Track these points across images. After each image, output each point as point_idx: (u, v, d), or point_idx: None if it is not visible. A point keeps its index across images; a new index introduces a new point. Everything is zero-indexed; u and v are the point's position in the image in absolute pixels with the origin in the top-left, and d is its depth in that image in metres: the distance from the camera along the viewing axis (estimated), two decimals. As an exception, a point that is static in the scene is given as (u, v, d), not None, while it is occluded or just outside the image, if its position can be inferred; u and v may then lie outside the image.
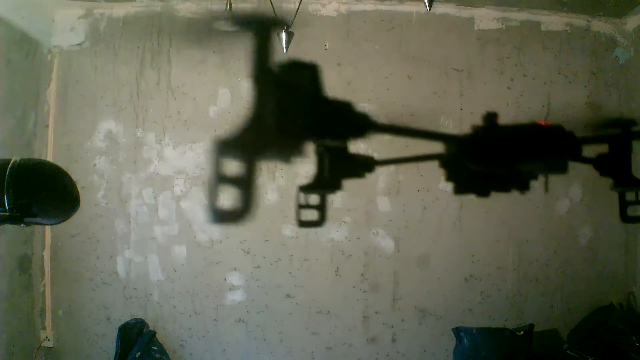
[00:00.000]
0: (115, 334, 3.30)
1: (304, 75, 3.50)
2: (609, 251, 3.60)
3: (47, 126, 3.53)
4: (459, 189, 3.48)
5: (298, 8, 2.73)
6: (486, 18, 3.62)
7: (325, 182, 2.93)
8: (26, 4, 3.27)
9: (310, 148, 3.45)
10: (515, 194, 3.53)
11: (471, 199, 3.54)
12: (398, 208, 3.53)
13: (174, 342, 3.48)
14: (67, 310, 3.49)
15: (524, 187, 3.50)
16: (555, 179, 3.58)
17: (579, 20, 3.66)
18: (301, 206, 3.33)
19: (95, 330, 3.47)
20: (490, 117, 3.48)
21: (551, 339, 3.49)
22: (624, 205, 3.48)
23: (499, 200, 3.54)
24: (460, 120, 3.57)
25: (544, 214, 3.57)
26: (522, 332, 3.26)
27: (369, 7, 3.59)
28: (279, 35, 2.77)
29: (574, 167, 3.52)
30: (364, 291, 3.52)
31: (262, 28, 3.46)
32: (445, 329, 3.46)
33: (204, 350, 3.50)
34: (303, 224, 3.43)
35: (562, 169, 3.41)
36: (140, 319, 3.43)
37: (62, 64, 3.56)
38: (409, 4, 3.56)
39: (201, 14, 3.58)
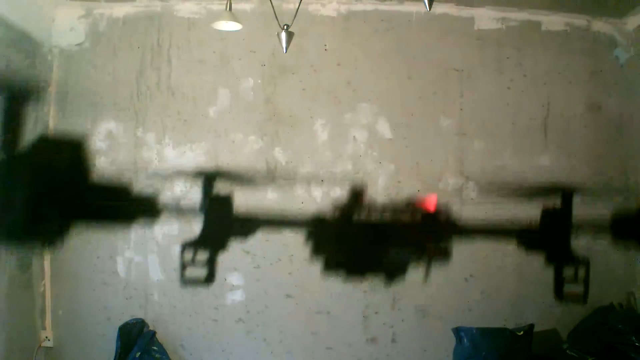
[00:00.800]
0: (115, 334, 3.29)
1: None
2: (609, 251, 3.60)
3: (47, 126, 3.52)
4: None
5: (298, 8, 2.73)
6: (486, 18, 3.62)
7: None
8: (26, 4, 3.27)
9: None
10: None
11: (471, 198, 3.54)
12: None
13: (174, 342, 3.48)
14: (67, 310, 3.49)
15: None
16: (555, 179, 3.58)
17: (579, 20, 3.66)
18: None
19: (95, 330, 3.47)
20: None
21: (551, 339, 3.49)
22: (559, 283, 3.44)
23: (478, 99, 3.55)
24: (460, 120, 3.57)
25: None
26: (522, 332, 3.26)
27: (369, 7, 3.59)
28: (279, 35, 2.77)
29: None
30: (364, 291, 3.52)
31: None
32: (445, 329, 3.46)
33: (204, 350, 3.50)
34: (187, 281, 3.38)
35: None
36: (140, 319, 3.43)
37: (62, 64, 3.56)
38: (409, 4, 3.56)
39: (201, 14, 3.58)
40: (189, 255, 3.26)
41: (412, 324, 3.52)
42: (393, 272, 3.34)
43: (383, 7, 3.59)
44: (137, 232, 3.51)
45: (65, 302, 3.49)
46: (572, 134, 3.62)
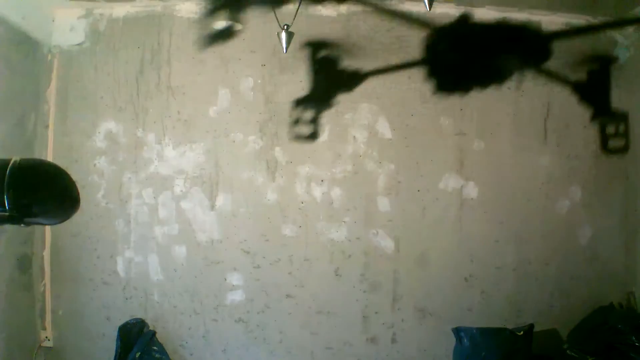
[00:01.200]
0: (115, 334, 3.30)
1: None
2: (608, 251, 3.61)
3: (47, 126, 3.53)
4: (440, 87, 3.41)
5: (298, 8, 2.73)
6: (486, 18, 3.62)
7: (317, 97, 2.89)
8: (26, 4, 3.27)
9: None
10: (492, 90, 3.53)
11: (471, 198, 3.54)
12: (398, 208, 3.53)
13: (174, 342, 3.48)
14: (67, 310, 3.49)
15: (500, 81, 3.49)
16: (555, 179, 3.59)
17: (579, 20, 3.66)
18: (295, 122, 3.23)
19: (95, 330, 3.47)
20: (464, 16, 3.45)
21: (551, 339, 3.49)
22: (604, 138, 3.58)
23: (478, 99, 3.54)
24: (460, 120, 3.57)
25: (544, 214, 3.57)
26: (522, 332, 3.27)
27: (368, 7, 3.59)
28: (279, 35, 2.78)
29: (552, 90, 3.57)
30: (364, 291, 3.52)
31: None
32: (445, 329, 3.46)
33: (204, 350, 3.50)
34: (297, 138, 3.30)
35: (533, 65, 3.42)
36: (140, 319, 3.44)
37: (62, 64, 3.56)
38: (409, 4, 3.56)
39: (201, 14, 3.58)
40: (297, 112, 3.21)
41: (412, 324, 3.52)
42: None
43: (383, 7, 3.59)
44: (137, 232, 3.51)
45: (65, 302, 3.49)
46: (572, 134, 3.62)
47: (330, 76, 2.69)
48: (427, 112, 3.57)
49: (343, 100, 3.54)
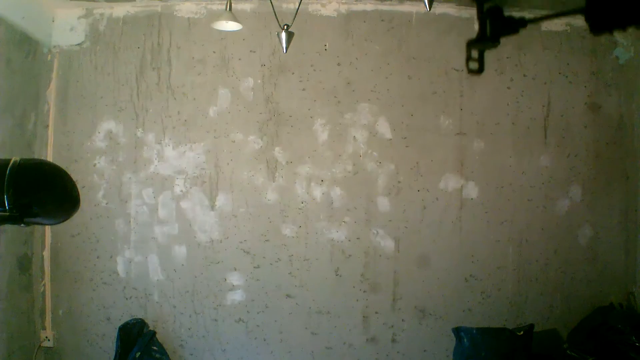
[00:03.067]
0: (115, 334, 3.30)
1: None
2: (609, 251, 3.61)
3: (47, 126, 3.53)
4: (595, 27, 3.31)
5: (298, 8, 2.73)
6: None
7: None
8: (26, 4, 3.27)
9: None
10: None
11: (471, 198, 3.54)
12: (398, 208, 3.53)
13: (174, 342, 3.48)
14: (67, 310, 3.49)
15: None
16: (555, 179, 3.58)
17: (579, 20, 3.66)
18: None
19: (95, 330, 3.48)
20: None
21: (551, 339, 3.49)
22: None
23: (479, 99, 3.52)
24: (460, 120, 3.57)
25: (544, 214, 3.57)
26: (522, 332, 3.26)
27: (368, 7, 3.59)
28: (279, 35, 2.78)
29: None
30: (364, 291, 3.52)
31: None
32: (445, 329, 3.46)
33: (204, 350, 3.50)
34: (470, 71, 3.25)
35: None
36: (140, 319, 3.44)
37: (62, 64, 3.56)
38: (409, 4, 3.56)
39: (201, 14, 3.58)
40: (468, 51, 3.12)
41: (412, 324, 3.52)
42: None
43: (383, 7, 3.59)
44: (137, 232, 3.51)
45: (65, 302, 3.49)
46: (572, 134, 3.62)
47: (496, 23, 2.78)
48: (427, 112, 3.57)
49: (343, 100, 3.54)
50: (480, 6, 2.21)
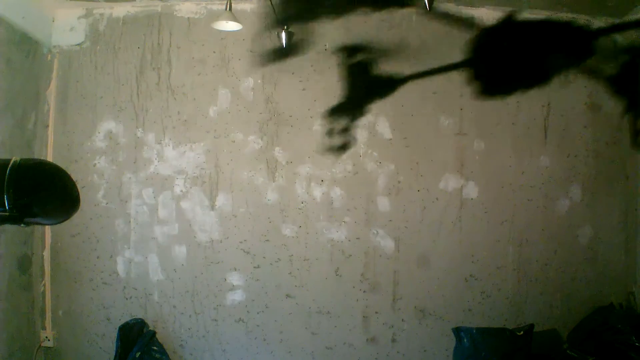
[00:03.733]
0: (115, 334, 3.30)
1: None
2: (609, 251, 3.61)
3: (47, 126, 3.53)
4: (486, 91, 3.36)
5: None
6: (486, 18, 3.62)
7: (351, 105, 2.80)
8: (26, 4, 3.27)
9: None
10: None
11: (471, 198, 3.54)
12: (398, 208, 3.53)
13: (174, 342, 3.48)
14: (67, 310, 3.49)
15: (544, 80, 3.45)
16: (555, 179, 3.59)
17: (579, 21, 3.66)
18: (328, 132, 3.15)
19: (95, 330, 3.48)
20: (509, 15, 3.41)
21: (551, 339, 3.49)
22: (635, 132, 3.52)
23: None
24: (460, 120, 3.57)
25: (544, 214, 3.57)
26: (522, 332, 3.27)
27: (369, 7, 3.59)
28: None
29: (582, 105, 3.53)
30: (364, 291, 3.52)
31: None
32: (445, 329, 3.46)
33: (204, 350, 3.50)
34: (330, 149, 3.26)
35: (576, 63, 3.38)
36: (140, 319, 3.44)
37: (62, 64, 3.56)
38: (409, 4, 3.56)
39: (201, 14, 3.58)
40: (328, 124, 3.18)
41: (412, 324, 3.52)
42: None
43: (383, 7, 3.59)
44: (137, 232, 3.51)
45: (65, 302, 3.49)
46: (572, 134, 3.62)
47: (364, 82, 2.67)
48: (427, 112, 3.57)
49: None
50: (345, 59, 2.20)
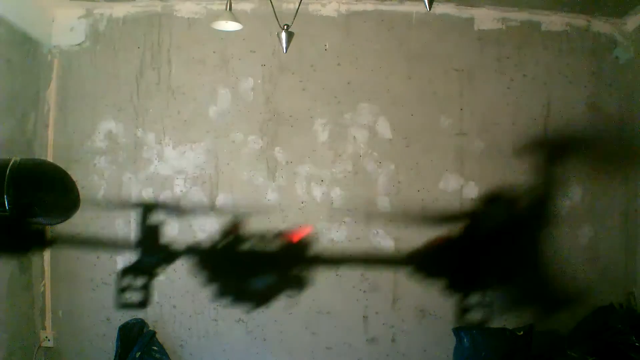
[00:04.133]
0: (115, 334, 3.30)
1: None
2: (609, 251, 3.60)
3: (47, 126, 3.53)
4: None
5: (298, 8, 2.73)
6: (486, 18, 3.62)
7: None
8: (26, 4, 3.27)
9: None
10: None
11: (471, 198, 3.54)
12: (398, 208, 3.53)
13: (174, 342, 3.48)
14: (67, 310, 3.49)
15: None
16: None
17: (579, 20, 3.66)
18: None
19: (95, 330, 3.47)
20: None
21: (551, 339, 3.49)
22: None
23: (479, 99, 3.59)
24: (460, 120, 3.57)
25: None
26: (522, 332, 3.27)
27: (369, 7, 3.59)
28: (279, 35, 2.77)
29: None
30: (364, 291, 3.52)
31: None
32: (445, 329, 3.46)
33: (204, 350, 3.50)
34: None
35: None
36: (140, 319, 3.43)
37: (62, 64, 3.56)
38: (409, 4, 3.56)
39: (201, 14, 3.58)
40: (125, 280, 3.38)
41: (412, 324, 3.52)
42: (258, 299, 3.45)
43: (383, 7, 3.59)
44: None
45: (65, 302, 3.49)
46: (572, 134, 3.62)
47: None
48: (427, 112, 3.57)
49: (343, 100, 3.55)
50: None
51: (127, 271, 3.43)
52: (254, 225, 3.46)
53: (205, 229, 3.50)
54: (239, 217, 3.43)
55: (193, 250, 3.47)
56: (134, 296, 3.44)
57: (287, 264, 3.48)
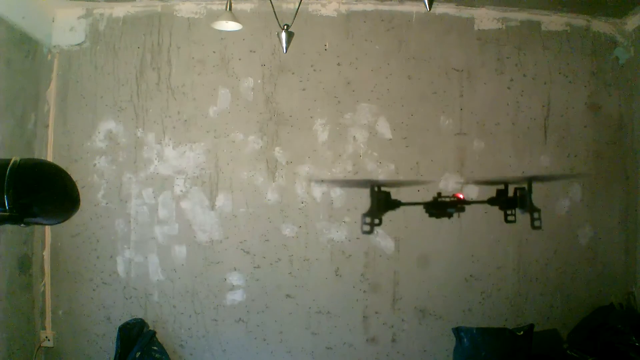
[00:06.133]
0: (115, 334, 3.30)
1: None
2: (609, 251, 3.61)
3: (47, 126, 3.53)
4: None
5: (298, 8, 2.73)
6: (486, 18, 3.62)
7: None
8: (26, 4, 3.27)
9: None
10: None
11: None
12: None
13: (174, 342, 3.48)
14: (67, 310, 3.49)
15: None
16: (555, 179, 3.58)
17: (579, 20, 3.66)
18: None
19: (95, 330, 3.47)
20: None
21: (551, 339, 3.49)
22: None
23: (478, 99, 3.62)
24: (460, 120, 3.57)
25: (544, 214, 3.56)
26: (522, 332, 3.26)
27: (369, 7, 3.59)
28: (279, 35, 2.77)
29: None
30: (364, 291, 3.52)
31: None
32: (445, 329, 3.46)
33: (204, 350, 3.50)
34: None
35: None
36: (140, 319, 3.43)
37: (62, 64, 3.56)
38: (409, 4, 3.56)
39: (201, 14, 3.58)
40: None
41: (412, 324, 3.52)
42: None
43: (383, 7, 3.59)
44: (137, 232, 3.51)
45: (65, 302, 3.49)
46: (572, 134, 3.62)
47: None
48: (427, 112, 3.57)
49: (343, 100, 3.55)
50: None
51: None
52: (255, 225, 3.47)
53: (205, 229, 3.50)
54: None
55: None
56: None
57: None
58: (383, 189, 3.33)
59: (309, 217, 3.52)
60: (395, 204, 3.40)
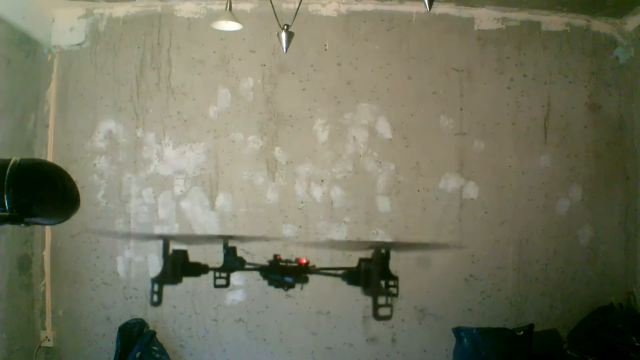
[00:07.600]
0: (115, 334, 3.30)
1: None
2: (609, 251, 3.61)
3: (47, 126, 3.53)
4: None
5: (298, 8, 2.73)
6: (486, 18, 3.62)
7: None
8: (26, 4, 3.27)
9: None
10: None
11: (471, 198, 3.54)
12: (398, 208, 3.53)
13: (174, 342, 3.48)
14: (67, 310, 3.49)
15: None
16: (555, 179, 3.59)
17: (579, 20, 3.66)
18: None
19: (95, 330, 3.47)
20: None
21: (551, 339, 3.49)
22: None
23: (478, 99, 3.60)
24: (460, 120, 3.57)
25: (544, 214, 3.57)
26: (522, 332, 3.26)
27: (369, 7, 3.59)
28: (279, 35, 2.77)
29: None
30: (364, 291, 3.51)
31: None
32: (445, 329, 3.46)
33: (204, 351, 3.50)
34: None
35: None
36: (140, 319, 3.43)
37: (62, 64, 3.56)
38: (409, 4, 3.56)
39: (201, 14, 3.58)
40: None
41: (412, 324, 3.52)
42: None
43: (383, 7, 3.59)
44: (137, 232, 3.51)
45: (65, 302, 3.49)
46: (572, 134, 3.62)
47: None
48: (427, 112, 3.57)
49: (343, 100, 3.55)
50: None
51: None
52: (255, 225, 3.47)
53: (205, 229, 3.50)
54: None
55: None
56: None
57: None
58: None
59: (309, 217, 3.52)
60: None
